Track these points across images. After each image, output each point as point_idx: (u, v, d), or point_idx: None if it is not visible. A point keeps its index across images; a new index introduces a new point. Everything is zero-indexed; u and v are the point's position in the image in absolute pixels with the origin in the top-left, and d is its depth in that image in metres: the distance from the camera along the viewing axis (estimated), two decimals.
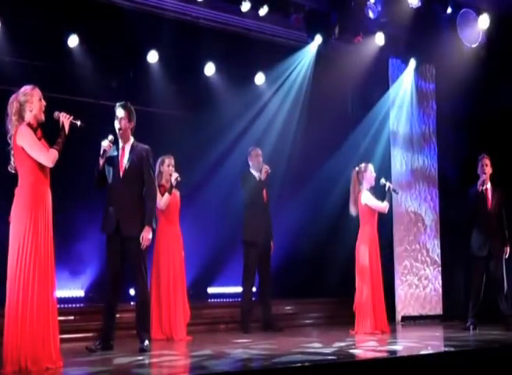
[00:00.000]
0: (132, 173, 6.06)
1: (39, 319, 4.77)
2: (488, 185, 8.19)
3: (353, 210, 7.93)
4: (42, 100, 5.06)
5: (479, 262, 8.13)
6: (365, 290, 7.70)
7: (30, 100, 4.98)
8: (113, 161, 6.08)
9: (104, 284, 6.40)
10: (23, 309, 4.73)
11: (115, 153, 6.11)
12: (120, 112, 6.12)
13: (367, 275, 7.71)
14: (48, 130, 5.11)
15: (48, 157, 4.92)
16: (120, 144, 6.15)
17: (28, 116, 4.98)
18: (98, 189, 6.20)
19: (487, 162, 8.17)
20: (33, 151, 4.89)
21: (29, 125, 4.94)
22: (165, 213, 7.32)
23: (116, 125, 6.12)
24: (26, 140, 4.89)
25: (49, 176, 5.02)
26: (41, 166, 4.94)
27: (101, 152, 6.03)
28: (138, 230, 5.99)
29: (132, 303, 6.96)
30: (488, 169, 8.17)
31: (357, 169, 8.01)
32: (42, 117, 5.05)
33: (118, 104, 6.18)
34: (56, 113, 5.19)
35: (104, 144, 6.02)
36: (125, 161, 6.08)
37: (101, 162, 6.05)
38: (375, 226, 7.88)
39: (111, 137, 6.05)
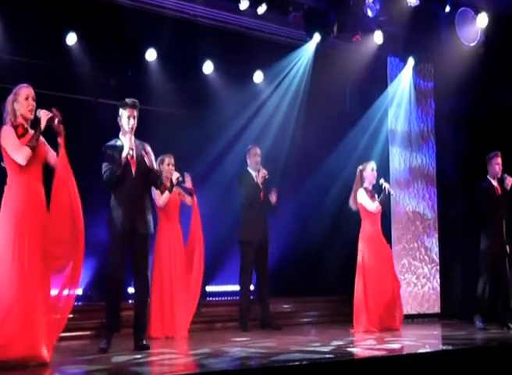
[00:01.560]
0: (141, 170, 6.05)
1: (34, 317, 4.77)
2: (495, 183, 8.05)
3: (353, 207, 7.96)
4: (30, 99, 5.04)
5: (487, 261, 8.03)
6: (364, 288, 7.69)
7: (17, 99, 5.03)
8: (124, 160, 6.00)
9: (102, 283, 6.38)
10: (19, 308, 4.72)
11: (125, 153, 6.02)
12: (135, 112, 6.09)
13: (366, 273, 7.70)
14: (47, 130, 5.10)
15: (19, 155, 4.91)
16: (128, 143, 6.07)
17: (17, 115, 5.01)
18: (111, 187, 6.08)
19: (500, 160, 8.02)
20: (10, 151, 4.93)
21: (13, 125, 4.96)
22: (164, 211, 7.34)
23: (132, 124, 6.05)
24: (6, 140, 4.94)
25: (41, 173, 5.03)
26: (30, 164, 4.93)
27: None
28: (148, 228, 6.09)
29: (130, 301, 6.95)
30: (501, 167, 8.05)
31: (360, 167, 8.06)
32: (29, 116, 5.05)
33: (132, 103, 6.09)
34: (38, 111, 5.14)
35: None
36: (135, 159, 6.06)
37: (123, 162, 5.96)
38: (375, 223, 7.87)
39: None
